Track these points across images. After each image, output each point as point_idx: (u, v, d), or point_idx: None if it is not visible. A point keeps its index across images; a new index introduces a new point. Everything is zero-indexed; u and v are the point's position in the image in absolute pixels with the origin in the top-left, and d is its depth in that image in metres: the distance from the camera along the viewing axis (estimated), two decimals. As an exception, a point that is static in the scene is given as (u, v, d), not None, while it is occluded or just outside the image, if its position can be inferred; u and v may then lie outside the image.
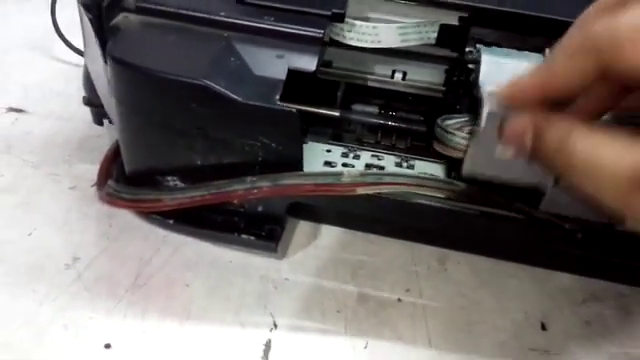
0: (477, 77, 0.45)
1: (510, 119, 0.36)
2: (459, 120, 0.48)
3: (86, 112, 0.65)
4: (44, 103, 0.71)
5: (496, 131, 0.37)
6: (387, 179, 0.46)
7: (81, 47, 0.64)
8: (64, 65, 0.77)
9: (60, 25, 0.75)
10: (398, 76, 0.58)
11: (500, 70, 0.44)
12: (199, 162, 0.50)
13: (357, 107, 0.60)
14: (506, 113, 0.36)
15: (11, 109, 0.70)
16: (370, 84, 0.59)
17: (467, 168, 0.47)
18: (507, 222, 0.47)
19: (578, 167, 0.32)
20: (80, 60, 0.68)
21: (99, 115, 0.63)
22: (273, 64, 0.47)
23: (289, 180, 0.46)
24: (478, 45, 0.48)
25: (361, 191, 0.46)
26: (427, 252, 0.57)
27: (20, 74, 0.76)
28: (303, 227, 0.58)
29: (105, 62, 0.48)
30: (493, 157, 0.39)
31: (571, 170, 0.33)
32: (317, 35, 0.48)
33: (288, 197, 0.50)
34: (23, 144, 0.65)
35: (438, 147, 0.48)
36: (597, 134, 0.32)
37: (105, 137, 0.65)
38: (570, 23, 0.34)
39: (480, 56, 0.46)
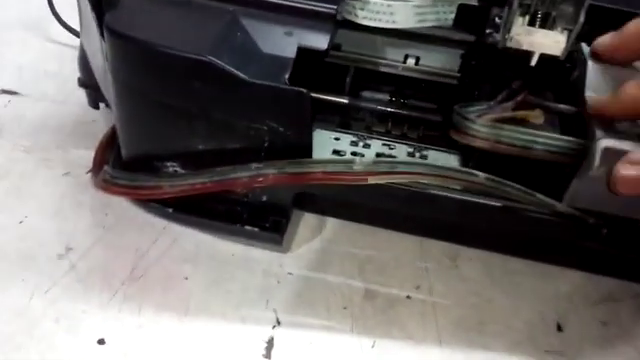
0: (582, 81, 0.43)
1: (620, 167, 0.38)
2: (479, 108, 0.45)
3: (81, 95, 0.62)
4: (38, 85, 0.68)
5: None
6: (401, 168, 0.43)
7: (77, 27, 0.62)
8: (59, 46, 0.74)
9: (56, 5, 0.72)
10: (411, 61, 0.56)
11: (605, 77, 0.43)
12: (201, 147, 0.47)
13: (367, 94, 0.57)
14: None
15: (4, 91, 0.67)
16: (381, 69, 0.57)
17: (568, 199, 0.45)
18: (528, 216, 0.45)
19: None
20: (76, 41, 0.65)
21: (95, 98, 0.61)
22: (282, 41, 0.44)
23: (297, 168, 0.43)
24: (582, 43, 0.45)
25: (373, 180, 0.43)
26: (437, 248, 0.54)
27: (14, 55, 0.73)
28: (308, 220, 0.55)
29: (102, 36, 0.45)
30: (599, 192, 0.40)
31: None
32: (329, 11, 0.45)
33: (295, 186, 0.47)
34: (15, 127, 0.62)
35: (455, 135, 0.46)
36: None
37: (100, 122, 0.62)
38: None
39: (585, 58, 0.44)
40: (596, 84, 0.43)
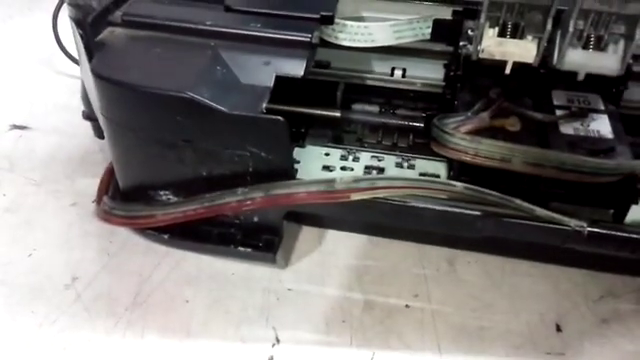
0: None
1: None
2: (457, 119, 0.46)
3: (89, 126, 0.64)
4: (48, 118, 0.71)
5: None
6: (381, 183, 0.44)
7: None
8: (67, 78, 0.77)
9: (63, 38, 0.74)
10: (398, 73, 0.57)
11: None
12: (190, 175, 0.48)
13: (357, 107, 0.58)
14: None
15: (15, 126, 0.70)
16: (370, 83, 0.58)
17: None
18: (508, 222, 0.45)
19: None
20: (83, 73, 0.68)
21: (99, 129, 0.62)
22: (260, 71, 0.46)
23: (281, 190, 0.45)
24: None
25: (355, 197, 0.44)
26: (435, 253, 0.55)
27: (25, 90, 0.76)
28: (306, 233, 0.57)
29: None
30: None
31: None
32: (304, 39, 0.47)
33: (282, 207, 0.48)
34: (26, 162, 0.65)
35: (436, 148, 0.47)
36: None
37: (107, 151, 0.63)
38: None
39: None
40: None
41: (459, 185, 0.43)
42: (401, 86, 0.57)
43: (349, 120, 0.55)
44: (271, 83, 0.45)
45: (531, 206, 0.43)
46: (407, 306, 0.51)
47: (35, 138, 0.68)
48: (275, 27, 0.48)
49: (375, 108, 0.58)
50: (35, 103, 0.74)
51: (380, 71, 0.58)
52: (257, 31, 0.47)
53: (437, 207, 0.45)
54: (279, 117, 0.43)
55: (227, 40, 0.47)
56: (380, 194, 0.44)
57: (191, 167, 0.48)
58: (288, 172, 0.46)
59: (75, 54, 0.72)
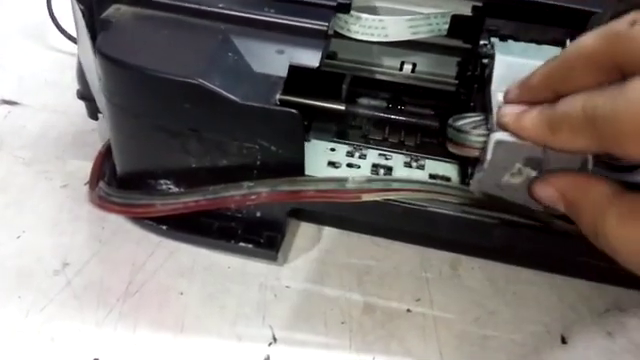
0: (490, 76, 0.42)
1: (538, 184, 0.38)
2: (473, 120, 0.44)
3: (82, 104, 0.61)
4: (38, 95, 0.68)
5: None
6: (395, 185, 0.42)
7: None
8: (60, 54, 0.74)
9: (57, 13, 0.72)
10: (407, 68, 0.55)
11: (515, 71, 0.40)
12: (194, 165, 0.46)
13: (363, 101, 0.57)
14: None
15: (4, 101, 0.67)
16: (378, 77, 0.56)
17: (474, 185, 0.44)
18: (525, 231, 0.44)
19: (614, 246, 0.33)
20: (76, 49, 0.65)
21: (94, 109, 0.60)
22: (273, 60, 0.44)
23: (289, 186, 0.43)
24: (492, 39, 0.44)
25: (367, 198, 0.42)
26: (439, 256, 0.53)
27: (14, 64, 0.73)
28: (306, 229, 0.55)
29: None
30: (499, 183, 0.40)
31: (607, 246, 0.33)
32: (321, 28, 0.45)
33: (288, 203, 0.47)
34: (15, 139, 0.62)
35: (452, 148, 0.45)
36: (630, 215, 0.32)
37: (99, 131, 0.62)
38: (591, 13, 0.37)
39: (494, 52, 0.42)
40: (502, 79, 0.42)
41: (476, 192, 0.42)
42: (410, 81, 0.55)
43: (354, 114, 0.53)
44: (285, 73, 0.43)
45: (549, 216, 0.42)
46: (409, 310, 0.49)
47: (25, 115, 0.65)
48: (289, 13, 0.46)
49: (382, 103, 0.56)
50: (25, 78, 0.71)
51: (389, 65, 0.56)
52: (270, 17, 0.45)
53: (452, 212, 0.44)
54: (294, 110, 0.41)
55: (239, 25, 0.45)
56: (393, 196, 0.43)
57: (195, 157, 0.46)
58: (298, 168, 0.44)
59: (70, 30, 0.71)
